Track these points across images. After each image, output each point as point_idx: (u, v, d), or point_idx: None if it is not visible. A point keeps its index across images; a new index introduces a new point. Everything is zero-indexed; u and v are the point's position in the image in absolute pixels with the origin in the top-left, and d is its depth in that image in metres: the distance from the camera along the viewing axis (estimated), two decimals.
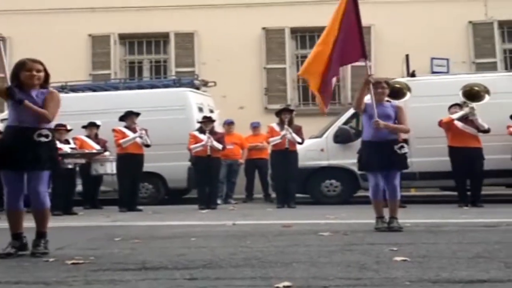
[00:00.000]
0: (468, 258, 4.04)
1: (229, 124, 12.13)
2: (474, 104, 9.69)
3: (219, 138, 10.40)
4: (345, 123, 11.10)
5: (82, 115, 11.13)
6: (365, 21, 14.33)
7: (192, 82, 12.59)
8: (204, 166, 10.15)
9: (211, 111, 12.09)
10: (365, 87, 6.07)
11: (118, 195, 10.42)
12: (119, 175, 10.27)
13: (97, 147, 10.66)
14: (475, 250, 4.37)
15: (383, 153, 5.97)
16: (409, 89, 8.41)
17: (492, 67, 14.04)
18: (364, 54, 6.36)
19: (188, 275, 3.60)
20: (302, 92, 15.02)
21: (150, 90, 12.32)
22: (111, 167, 10.55)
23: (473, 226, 6.32)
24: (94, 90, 12.76)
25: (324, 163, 10.98)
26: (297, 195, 10.73)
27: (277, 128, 10.30)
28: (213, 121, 10.57)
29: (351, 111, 10.99)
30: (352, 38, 6.31)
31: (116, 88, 12.68)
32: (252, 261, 4.09)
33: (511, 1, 14.14)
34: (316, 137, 11.27)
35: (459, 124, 9.75)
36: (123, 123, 10.23)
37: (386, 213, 6.10)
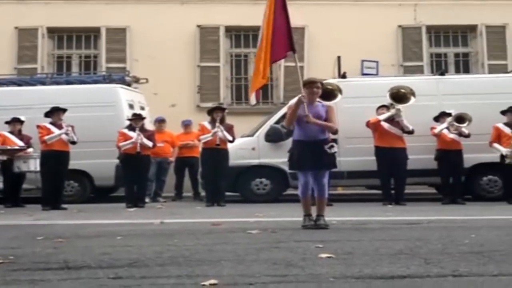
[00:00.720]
0: (390, 254, 4.15)
1: (160, 121, 11.98)
2: (400, 106, 9.98)
3: (149, 136, 10.27)
4: (277, 122, 11.19)
5: (5, 110, 10.80)
6: (298, 22, 14.70)
7: (123, 79, 12.37)
8: (132, 164, 10.00)
9: (142, 108, 11.92)
10: (297, 107, 6.07)
11: (41, 193, 10.10)
12: (42, 173, 9.96)
13: (21, 143, 10.33)
14: (397, 247, 4.49)
15: (314, 153, 6.05)
16: (340, 91, 8.56)
17: (419, 70, 14.48)
18: (292, 48, 6.43)
19: (113, 274, 3.54)
20: (235, 91, 15.04)
21: (78, 86, 12.03)
22: (34, 164, 10.23)
23: (396, 223, 6.51)
24: (19, 85, 12.33)
25: (255, 161, 11.04)
26: (227, 193, 10.74)
27: (208, 126, 10.27)
28: (143, 118, 10.43)
29: (283, 110, 11.08)
30: (281, 35, 6.38)
31: (42, 83, 12.27)
32: (179, 259, 4.06)
33: (439, 6, 14.64)
34: (248, 136, 11.32)
35: (385, 125, 10.03)
36: (49, 119, 9.93)
37: (314, 211, 6.19)
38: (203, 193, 11.26)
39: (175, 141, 11.96)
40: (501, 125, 10.19)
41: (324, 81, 7.11)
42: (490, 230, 5.64)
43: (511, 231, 5.61)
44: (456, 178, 10.31)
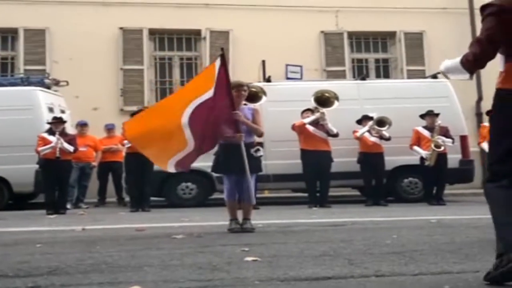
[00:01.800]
0: (315, 256, 4.19)
1: (82, 125, 11.68)
2: (324, 110, 10.16)
3: (70, 140, 9.96)
4: None
5: None
6: (223, 25, 14.68)
7: (42, 81, 11.96)
8: (52, 169, 9.68)
9: (63, 112, 11.57)
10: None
11: None
12: None
13: None
14: (321, 249, 4.54)
15: (240, 156, 6.03)
16: (264, 93, 8.62)
17: (342, 75, 14.82)
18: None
19: (31, 283, 3.39)
20: (159, 94, 14.86)
21: None
22: None
23: (321, 225, 6.59)
24: None
25: None
26: (152, 198, 10.58)
27: None
28: (64, 122, 10.12)
29: None
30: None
31: None
32: (101, 266, 3.95)
33: (360, 13, 15.02)
34: None
35: (310, 128, 10.17)
36: None
37: (240, 214, 6.19)
38: (127, 198, 11.04)
39: (98, 145, 11.69)
40: (420, 129, 10.56)
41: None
42: (411, 231, 5.80)
43: (431, 231, 5.78)
44: (378, 180, 10.59)
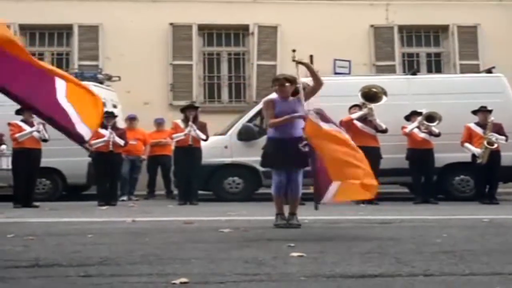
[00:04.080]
0: (362, 253, 4.15)
1: (131, 119, 11.87)
2: (372, 105, 10.04)
3: (121, 134, 10.18)
4: (249, 120, 11.18)
5: None
6: (271, 20, 14.69)
7: (95, 76, 12.21)
8: (104, 161, 9.90)
9: (114, 106, 11.81)
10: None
11: (13, 191, 9.94)
12: (14, 170, 9.81)
13: None
14: (368, 246, 4.51)
15: (288, 151, 6.03)
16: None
17: (391, 70, 14.59)
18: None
19: (83, 272, 3.49)
20: (207, 89, 14.99)
21: None
22: (6, 162, 10.11)
23: (368, 222, 6.55)
24: None
25: (228, 160, 11.02)
26: (200, 192, 10.69)
27: (181, 124, 10.22)
28: (115, 116, 10.33)
29: (256, 109, 11.09)
30: None
31: None
32: (150, 257, 4.02)
33: (411, 6, 14.78)
34: (220, 134, 11.28)
35: (358, 124, 10.07)
36: (20, 117, 9.77)
37: (286, 210, 6.19)
38: (175, 192, 11.19)
39: (147, 139, 11.87)
40: (472, 125, 10.31)
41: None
42: (461, 230, 5.70)
43: (482, 231, 5.65)
44: (427, 178, 10.41)
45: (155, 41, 14.50)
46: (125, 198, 11.02)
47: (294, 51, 6.34)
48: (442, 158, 10.47)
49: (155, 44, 14.49)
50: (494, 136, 10.05)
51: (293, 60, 6.05)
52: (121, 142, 10.03)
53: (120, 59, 14.00)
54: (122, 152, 10.36)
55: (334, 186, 5.42)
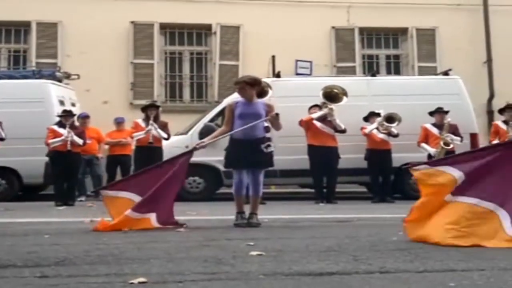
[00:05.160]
0: (320, 251, 4.20)
1: (83, 117, 11.56)
2: (332, 105, 10.15)
3: (80, 133, 10.04)
4: (211, 120, 11.17)
5: None
6: (234, 20, 14.70)
7: (53, 74, 12.04)
8: (62, 161, 9.76)
9: (73, 105, 11.64)
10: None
11: None
12: None
13: None
14: (327, 244, 4.56)
15: (250, 151, 6.06)
16: (270, 87, 8.62)
17: (352, 71, 14.77)
18: None
19: (39, 273, 3.43)
20: (169, 88, 14.91)
21: (6, 81, 11.64)
22: None
23: (327, 221, 6.62)
24: None
25: None
26: None
27: (142, 124, 10.15)
28: (74, 115, 10.19)
29: (218, 108, 11.10)
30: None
31: None
32: (108, 258, 3.99)
33: (372, 9, 14.98)
34: (181, 134, 11.24)
35: (318, 123, 10.18)
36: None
37: (247, 209, 6.21)
38: None
39: (101, 137, 11.73)
40: (429, 126, 10.51)
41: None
42: None
43: None
44: (385, 177, 10.58)
45: (116, 39, 14.36)
46: (83, 199, 10.86)
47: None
48: (399, 158, 10.63)
49: (116, 42, 14.35)
50: (449, 137, 10.28)
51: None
52: (80, 141, 9.89)
53: (80, 57, 13.83)
54: (80, 151, 10.20)
55: None
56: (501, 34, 15.03)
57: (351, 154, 10.39)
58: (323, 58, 14.91)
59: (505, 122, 10.35)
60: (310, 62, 14.26)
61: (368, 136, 10.48)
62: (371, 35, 15.66)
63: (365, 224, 6.32)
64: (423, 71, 14.65)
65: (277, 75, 11.48)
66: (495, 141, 10.29)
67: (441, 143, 10.23)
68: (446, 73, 11.87)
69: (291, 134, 10.46)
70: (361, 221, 6.62)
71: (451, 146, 10.27)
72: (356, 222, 6.51)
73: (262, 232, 5.49)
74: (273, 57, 13.97)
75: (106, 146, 11.89)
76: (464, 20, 15.28)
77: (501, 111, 10.67)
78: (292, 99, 10.63)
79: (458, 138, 10.38)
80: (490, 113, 14.57)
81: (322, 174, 10.32)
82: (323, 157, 10.08)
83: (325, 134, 10.18)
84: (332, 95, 10.28)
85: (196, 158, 10.67)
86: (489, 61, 15.10)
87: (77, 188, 10.73)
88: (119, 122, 12.05)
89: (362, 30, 15.40)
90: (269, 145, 6.20)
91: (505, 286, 3.04)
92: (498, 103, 12.18)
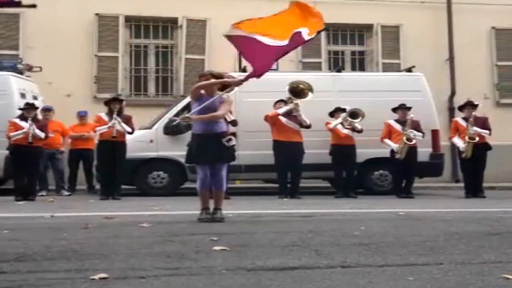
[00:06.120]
0: (283, 246, 4.23)
1: (46, 110, 11.20)
2: (298, 101, 10.20)
3: (42, 126, 9.86)
4: (176, 115, 11.07)
5: None
6: (201, 14, 14.57)
7: (14, 66, 11.79)
8: (23, 155, 9.57)
9: (35, 98, 11.43)
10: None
11: None
12: None
13: None
14: (290, 239, 4.59)
15: (212, 146, 6.05)
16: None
17: (317, 67, 14.83)
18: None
19: None
20: (134, 82, 14.76)
21: None
22: None
23: (291, 216, 6.66)
24: None
25: (153, 154, 10.91)
26: (123, 186, 10.52)
27: (105, 117, 10.01)
28: (36, 108, 10.00)
29: (183, 103, 11.03)
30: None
31: None
32: (68, 253, 3.94)
33: (338, 5, 14.88)
34: (146, 128, 11.14)
35: (283, 119, 10.21)
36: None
37: (211, 204, 6.20)
38: (97, 186, 10.96)
39: (65, 130, 11.53)
40: (392, 122, 10.65)
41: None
42: (378, 223, 5.88)
43: (398, 223, 5.86)
44: (349, 172, 10.68)
45: (80, 31, 14.12)
46: (44, 193, 10.70)
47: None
48: (362, 153, 10.77)
49: (80, 34, 14.11)
50: (412, 133, 10.43)
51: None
52: (42, 134, 9.72)
53: (44, 49, 13.57)
54: (42, 145, 10.02)
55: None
56: (464, 32, 15.30)
57: (316, 150, 10.46)
58: (290, 54, 14.80)
59: (465, 119, 10.55)
60: None
61: (333, 131, 10.55)
62: (337, 31, 15.72)
63: (328, 219, 6.37)
64: (387, 68, 14.82)
65: (243, 70, 11.43)
66: (455, 137, 10.53)
67: (404, 138, 10.38)
68: (409, 70, 12.03)
69: (256, 129, 10.52)
70: (324, 216, 6.67)
71: (414, 141, 10.44)
72: (319, 217, 6.56)
73: (226, 227, 5.50)
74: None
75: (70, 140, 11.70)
76: (428, 17, 15.49)
77: (460, 108, 10.87)
78: (258, 94, 10.62)
79: (420, 134, 10.56)
80: (451, 110, 14.81)
81: (286, 169, 10.36)
82: (288, 152, 10.12)
83: (291, 130, 10.23)
84: (298, 91, 10.31)
85: (160, 152, 10.85)
86: (451, 58, 15.35)
87: (38, 183, 10.53)
88: (82, 115, 11.88)
89: (328, 26, 15.42)
90: (230, 139, 6.19)
91: (462, 280, 3.10)
92: (459, 100, 12.36)
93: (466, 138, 10.25)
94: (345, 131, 10.52)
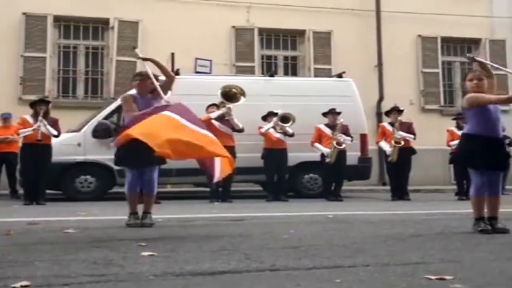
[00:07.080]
0: (213, 251, 4.19)
1: None
2: (230, 105, 10.20)
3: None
4: (106, 117, 10.88)
5: None
6: (133, 16, 14.40)
7: None
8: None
9: None
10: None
11: None
12: None
13: None
14: (220, 243, 4.56)
15: (142, 148, 5.92)
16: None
17: (251, 71, 14.92)
18: None
19: None
20: (62, 83, 14.38)
21: None
22: None
23: (221, 220, 6.64)
24: None
25: (80, 158, 10.65)
26: (49, 191, 10.21)
27: (30, 120, 9.70)
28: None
29: (113, 105, 10.84)
30: None
31: None
32: None
33: (271, 10, 15.18)
34: (74, 131, 10.87)
35: (216, 123, 10.19)
36: None
37: (140, 209, 6.09)
38: (21, 191, 10.59)
39: None
40: (322, 126, 10.83)
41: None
42: (308, 226, 5.94)
43: (327, 226, 5.94)
44: (280, 176, 10.77)
45: (6, 30, 13.70)
46: None
47: (134, 48, 6.30)
48: (294, 157, 10.89)
49: (6, 33, 13.69)
50: (342, 137, 10.64)
51: (138, 58, 6.00)
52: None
53: None
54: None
55: (217, 162, 5.85)
56: (392, 40, 15.76)
57: (248, 153, 10.48)
58: (223, 57, 14.93)
59: (391, 124, 10.85)
60: (210, 60, 14.25)
61: (265, 135, 10.62)
62: (270, 36, 15.87)
63: (259, 222, 6.39)
64: (318, 73, 15.06)
65: (176, 73, 11.32)
66: (382, 142, 10.82)
67: (334, 143, 10.57)
68: (339, 76, 12.28)
69: None
70: (255, 219, 6.68)
71: (343, 146, 10.64)
72: (250, 220, 6.57)
73: (155, 232, 5.42)
74: (173, 54, 13.83)
75: None
76: (358, 25, 15.87)
77: (387, 113, 11.19)
78: (190, 97, 10.46)
79: (349, 138, 10.79)
80: (379, 115, 15.21)
81: None
82: None
83: (223, 134, 10.16)
84: (230, 95, 10.33)
85: (88, 156, 10.60)
86: (379, 65, 15.78)
87: None
88: (5, 118, 11.49)
89: (261, 31, 15.58)
90: None
91: (387, 281, 3.17)
92: (386, 106, 12.72)
93: (392, 142, 10.55)
94: (277, 135, 10.61)
